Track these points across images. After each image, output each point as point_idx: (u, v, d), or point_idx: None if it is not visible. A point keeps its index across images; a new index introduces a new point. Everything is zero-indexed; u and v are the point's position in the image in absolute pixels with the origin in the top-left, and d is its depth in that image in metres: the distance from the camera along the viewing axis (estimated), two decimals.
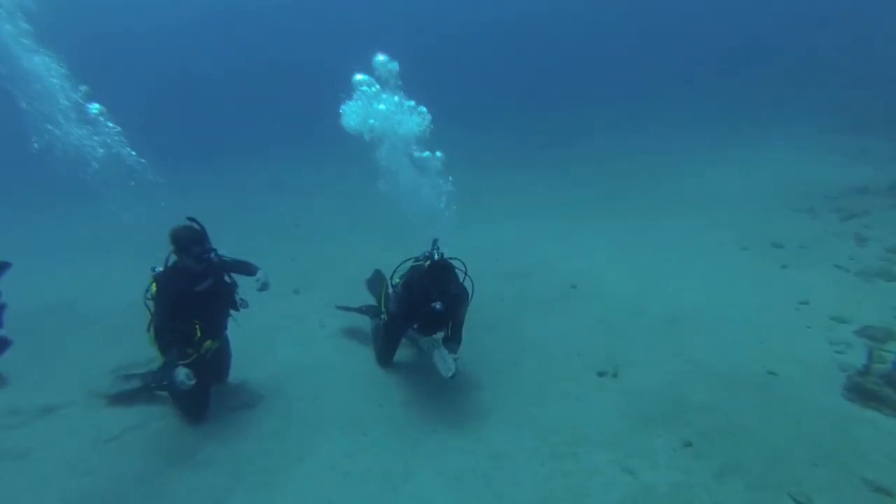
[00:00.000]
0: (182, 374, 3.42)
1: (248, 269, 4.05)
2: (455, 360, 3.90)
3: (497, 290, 5.58)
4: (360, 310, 5.01)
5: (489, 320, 4.99)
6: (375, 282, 5.17)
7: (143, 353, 4.59)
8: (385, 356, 4.50)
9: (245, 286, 4.04)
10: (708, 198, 7.90)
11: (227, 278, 3.99)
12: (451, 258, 3.98)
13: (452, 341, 4.09)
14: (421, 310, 3.89)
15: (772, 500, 2.89)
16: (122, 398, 4.21)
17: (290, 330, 5.14)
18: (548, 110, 15.79)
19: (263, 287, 3.91)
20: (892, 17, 18.04)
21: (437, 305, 3.78)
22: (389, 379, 4.38)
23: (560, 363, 4.38)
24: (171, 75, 20.77)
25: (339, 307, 5.18)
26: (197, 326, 3.75)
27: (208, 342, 3.83)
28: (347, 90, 4.96)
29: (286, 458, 3.56)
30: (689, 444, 3.31)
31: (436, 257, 3.95)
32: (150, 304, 3.69)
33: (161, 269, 3.69)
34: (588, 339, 4.69)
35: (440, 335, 4.18)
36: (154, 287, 3.66)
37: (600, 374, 4.18)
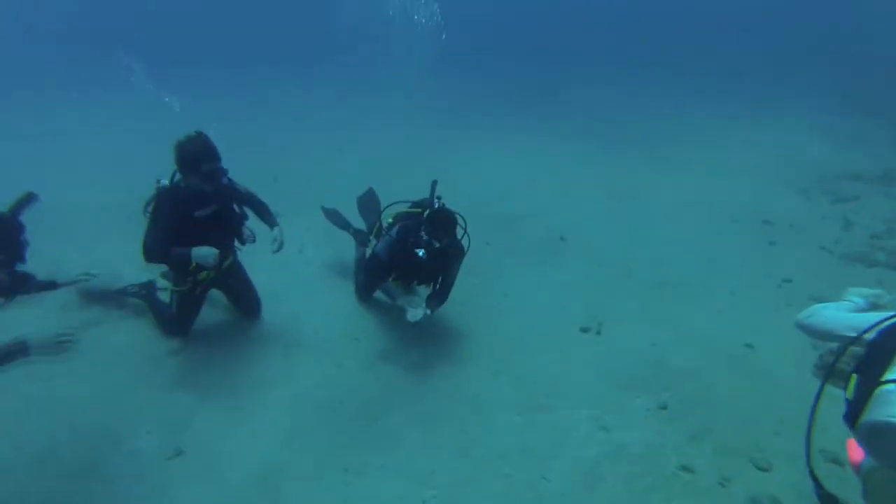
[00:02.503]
0: (211, 255, 3.14)
1: (263, 213, 3.71)
2: (427, 314, 3.66)
3: (484, 234, 5.39)
4: (346, 228, 4.74)
5: (473, 264, 4.81)
6: (368, 201, 4.82)
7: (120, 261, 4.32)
8: (365, 292, 4.33)
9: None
10: (706, 165, 7.74)
11: (235, 208, 3.61)
12: (452, 210, 3.74)
13: (435, 298, 3.86)
14: (410, 259, 3.67)
15: (736, 465, 2.98)
16: (90, 296, 3.99)
17: (268, 254, 4.86)
18: (549, 63, 15.06)
19: (280, 247, 3.57)
20: None
21: (420, 252, 3.59)
22: (368, 314, 4.25)
23: (543, 315, 4.32)
24: None
25: (325, 210, 4.90)
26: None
27: (203, 273, 3.49)
28: None
29: (256, 383, 3.44)
30: (664, 407, 3.34)
31: (436, 205, 3.70)
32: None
33: (167, 182, 3.28)
34: (574, 293, 4.62)
35: (424, 292, 3.99)
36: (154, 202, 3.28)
37: (583, 330, 4.14)
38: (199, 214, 3.29)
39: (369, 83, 12.09)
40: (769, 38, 17.19)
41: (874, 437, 1.65)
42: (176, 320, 3.68)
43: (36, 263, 2.91)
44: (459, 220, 3.78)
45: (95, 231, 5.14)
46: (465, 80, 12.96)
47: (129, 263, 4.16)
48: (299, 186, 6.64)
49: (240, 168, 3.68)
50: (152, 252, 3.19)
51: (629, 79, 13.33)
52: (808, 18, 18.02)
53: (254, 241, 3.72)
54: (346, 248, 4.82)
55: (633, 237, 5.63)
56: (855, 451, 1.88)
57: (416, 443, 3.09)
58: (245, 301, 3.93)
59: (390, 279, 3.91)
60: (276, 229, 3.61)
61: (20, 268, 2.72)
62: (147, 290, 3.98)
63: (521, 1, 21.61)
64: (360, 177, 7.04)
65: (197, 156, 3.15)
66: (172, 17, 16.82)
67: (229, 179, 3.46)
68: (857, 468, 1.87)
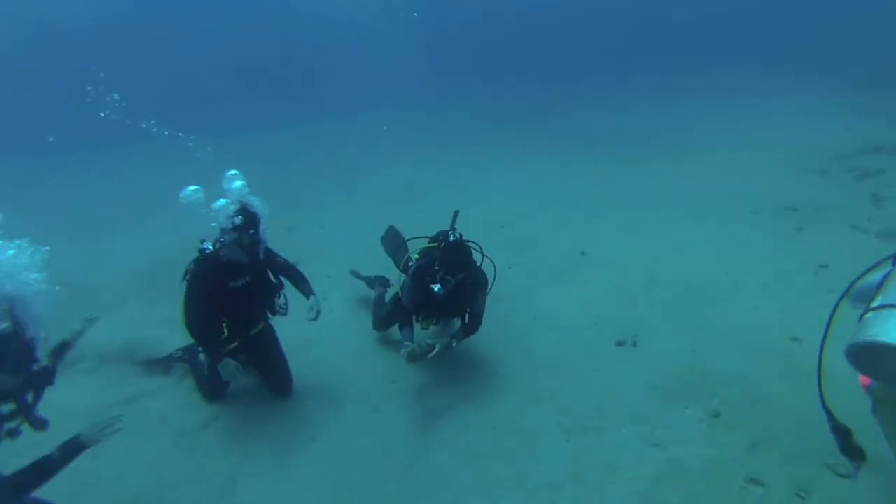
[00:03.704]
0: (232, 366, 3.30)
1: (299, 281, 3.67)
2: (413, 349, 3.47)
3: (504, 259, 5.37)
4: (369, 280, 4.78)
5: (498, 289, 4.78)
6: (391, 239, 4.83)
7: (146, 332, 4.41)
8: (384, 323, 4.29)
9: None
10: (718, 161, 7.66)
11: (272, 278, 3.64)
12: (467, 241, 3.73)
13: (463, 329, 3.77)
14: (430, 297, 3.63)
15: (810, 473, 2.77)
16: (139, 365, 4.10)
17: (292, 303, 4.91)
18: (547, 80, 15.22)
19: (316, 316, 3.49)
20: None
21: (436, 288, 3.55)
22: (397, 353, 4.20)
23: (575, 334, 4.23)
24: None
25: (352, 272, 5.00)
26: (225, 325, 3.44)
27: (234, 344, 3.52)
28: None
29: (296, 439, 3.41)
30: (717, 416, 3.20)
31: (451, 238, 3.68)
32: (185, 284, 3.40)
33: (209, 246, 3.36)
34: (602, 308, 4.53)
35: (451, 331, 3.91)
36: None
37: (619, 344, 4.04)
38: (233, 285, 3.36)
39: (371, 125, 12.38)
40: (769, 21, 17.14)
41: (859, 355, 1.92)
42: (210, 385, 3.70)
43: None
44: (475, 248, 3.76)
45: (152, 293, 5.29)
46: (465, 107, 13.18)
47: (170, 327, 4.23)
48: (314, 233, 6.75)
49: None
50: (190, 328, 3.38)
51: (629, 84, 13.40)
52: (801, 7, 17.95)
53: (285, 314, 3.70)
54: (369, 289, 4.83)
55: (654, 243, 5.54)
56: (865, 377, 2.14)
57: (466, 482, 3.00)
58: (274, 375, 3.75)
59: (417, 320, 3.88)
60: (312, 298, 3.55)
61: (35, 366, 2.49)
62: (189, 354, 4.00)
63: (511, 18, 22.03)
64: (372, 217, 7.18)
65: (236, 228, 3.23)
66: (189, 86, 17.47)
67: (269, 250, 3.52)
68: (867, 389, 2.19)
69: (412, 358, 3.42)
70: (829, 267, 4.68)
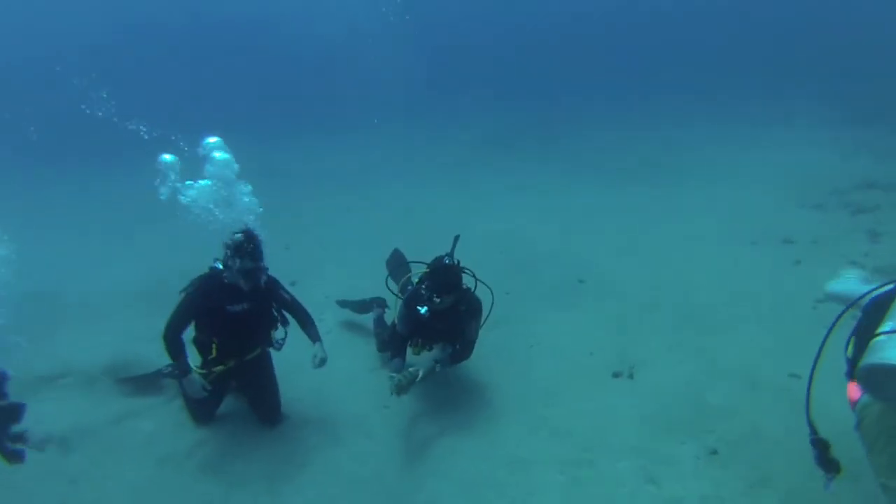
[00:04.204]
0: (197, 383, 3.21)
1: (305, 324, 3.56)
2: (423, 370, 3.47)
3: (503, 284, 5.36)
4: (362, 304, 4.73)
5: (495, 316, 4.77)
6: (396, 262, 4.80)
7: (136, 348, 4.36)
8: (387, 345, 4.23)
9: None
10: (715, 190, 7.72)
11: (274, 311, 3.58)
12: (462, 267, 3.72)
13: (452, 355, 3.72)
14: (420, 319, 3.61)
15: None
16: (127, 381, 4.02)
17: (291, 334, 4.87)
18: (549, 101, 15.45)
19: (321, 364, 3.41)
20: (892, 9, 17.91)
21: (422, 310, 3.53)
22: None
23: (572, 362, 4.20)
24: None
25: (340, 303, 4.91)
26: (214, 346, 3.42)
27: (218, 367, 3.49)
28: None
29: (287, 464, 3.35)
30: (714, 452, 3.16)
31: (445, 262, 3.66)
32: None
33: (220, 265, 3.35)
34: (599, 336, 4.52)
35: (437, 355, 3.82)
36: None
37: (615, 375, 4.01)
38: (231, 309, 3.33)
39: (367, 143, 12.48)
40: (762, 56, 17.50)
41: (870, 376, 2.07)
42: (196, 407, 3.63)
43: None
44: (469, 274, 3.75)
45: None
46: (467, 125, 13.32)
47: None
48: (312, 251, 6.75)
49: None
50: (166, 332, 3.29)
51: (628, 107, 13.59)
52: (802, 32, 18.34)
53: (279, 349, 3.65)
54: (360, 296, 4.82)
55: (651, 271, 5.55)
56: (853, 392, 2.33)
57: None
58: (263, 406, 3.68)
59: (411, 346, 3.85)
60: (317, 345, 3.46)
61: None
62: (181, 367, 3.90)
63: (512, 38, 22.43)
64: (371, 235, 7.19)
65: (241, 251, 3.21)
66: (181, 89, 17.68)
67: (273, 280, 3.49)
68: (854, 404, 2.32)
69: (400, 390, 3.37)
70: (828, 302, 4.68)
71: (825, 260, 5.43)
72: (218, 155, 3.63)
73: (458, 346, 3.82)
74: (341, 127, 13.99)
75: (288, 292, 3.59)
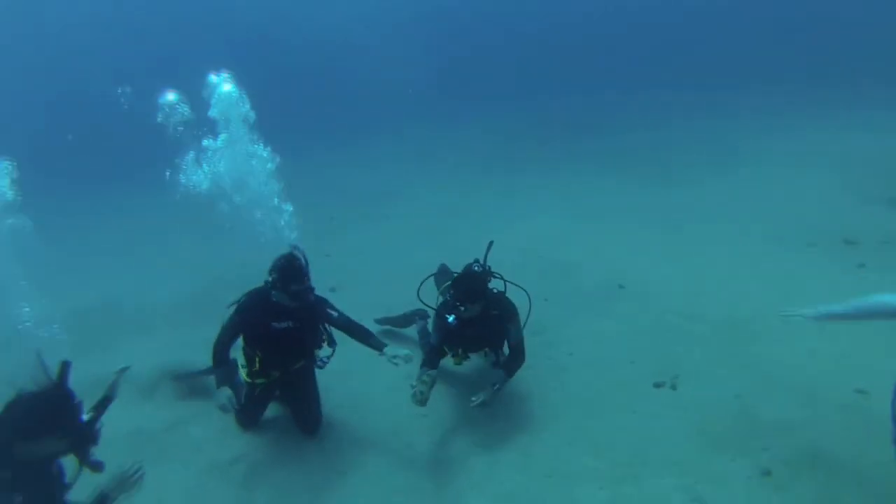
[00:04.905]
0: (223, 396, 3.35)
1: (364, 338, 3.57)
2: (483, 395, 3.40)
3: (541, 290, 5.28)
4: (404, 318, 4.75)
5: (534, 322, 4.71)
6: (443, 277, 4.78)
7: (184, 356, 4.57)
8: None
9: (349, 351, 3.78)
10: (764, 185, 7.31)
11: (324, 329, 3.66)
12: (490, 273, 3.69)
13: (506, 365, 3.67)
14: (454, 330, 3.60)
15: None
16: (182, 379, 4.23)
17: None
18: (583, 95, 15.04)
19: (404, 362, 3.35)
20: None
21: (450, 318, 3.51)
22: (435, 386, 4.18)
23: (612, 372, 4.09)
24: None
25: (379, 321, 4.88)
26: (257, 359, 3.54)
27: (261, 379, 3.61)
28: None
29: (329, 472, 3.42)
30: (768, 473, 2.99)
31: (475, 269, 3.65)
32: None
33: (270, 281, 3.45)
34: (640, 345, 4.37)
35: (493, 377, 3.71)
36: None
37: (657, 385, 3.87)
38: (275, 326, 3.44)
39: (395, 151, 12.56)
40: (821, 36, 16.34)
41: None
42: (242, 411, 3.76)
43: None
44: (499, 277, 3.70)
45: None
46: (493, 130, 13.20)
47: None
48: (351, 259, 6.87)
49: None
50: (215, 345, 3.48)
51: (667, 99, 13.04)
52: (860, 12, 17.03)
53: (322, 367, 3.71)
54: (402, 309, 4.83)
55: (696, 274, 5.32)
56: None
57: None
58: (303, 417, 3.73)
59: (450, 356, 3.86)
60: (386, 349, 3.45)
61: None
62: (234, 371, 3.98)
63: (538, 35, 22.01)
64: (407, 242, 7.26)
65: (286, 275, 3.32)
66: None
67: (321, 299, 3.57)
68: None
69: (420, 402, 3.34)
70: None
71: (894, 263, 5.03)
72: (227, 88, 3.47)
73: (501, 355, 3.81)
74: (365, 134, 14.18)
75: (337, 310, 3.62)
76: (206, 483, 3.38)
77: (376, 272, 6.31)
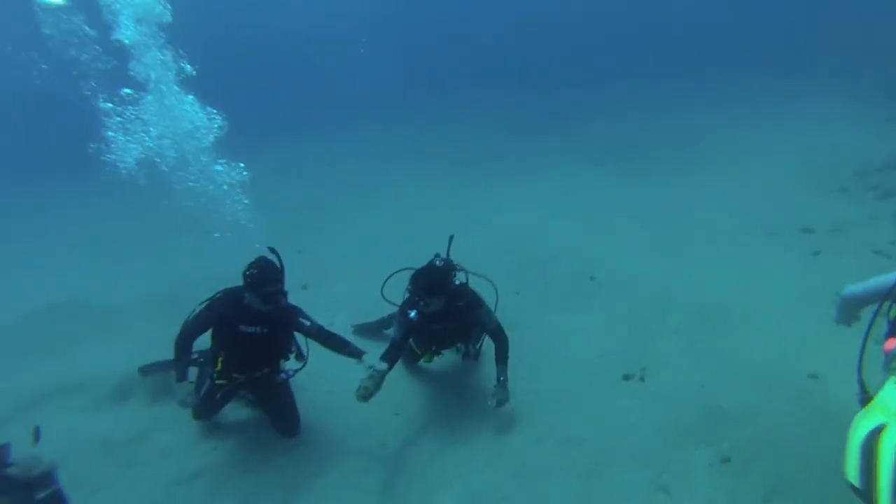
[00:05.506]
0: (182, 393, 3.23)
1: (343, 348, 3.53)
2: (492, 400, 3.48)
3: (513, 283, 5.33)
4: (381, 322, 4.72)
5: (504, 317, 4.75)
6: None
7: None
8: (405, 360, 4.26)
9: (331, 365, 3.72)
10: (732, 177, 7.51)
11: (297, 340, 3.60)
12: (452, 266, 3.68)
13: (498, 356, 3.67)
14: (420, 326, 3.61)
15: None
16: (150, 369, 4.14)
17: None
18: (558, 88, 15.07)
19: (374, 386, 3.31)
20: None
21: (412, 314, 3.52)
22: (405, 383, 4.19)
23: (582, 365, 4.17)
24: None
25: (357, 328, 4.83)
26: (220, 360, 3.47)
27: (222, 381, 3.55)
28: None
29: (301, 476, 3.41)
30: (727, 460, 3.11)
31: (437, 263, 3.62)
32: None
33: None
34: (611, 337, 4.46)
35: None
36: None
37: (626, 378, 3.96)
38: (243, 329, 3.37)
39: (375, 140, 12.41)
40: (783, 30, 16.72)
41: None
42: (200, 403, 3.65)
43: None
44: (461, 269, 3.73)
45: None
46: (472, 119, 13.15)
47: None
48: (325, 254, 6.79)
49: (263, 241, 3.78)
50: (179, 334, 3.39)
51: (640, 95, 13.19)
52: (825, 5, 17.43)
53: (286, 378, 3.64)
54: (379, 314, 4.80)
55: (665, 266, 5.43)
56: (890, 344, 2.35)
57: None
58: (280, 418, 3.68)
59: (419, 352, 3.87)
60: (364, 357, 3.45)
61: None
62: (204, 359, 3.91)
63: (519, 24, 21.92)
64: (382, 236, 7.20)
65: (259, 277, 3.25)
66: None
67: (295, 308, 3.48)
68: (887, 353, 2.34)
69: (363, 397, 3.29)
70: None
71: (847, 250, 5.24)
72: None
73: (472, 348, 3.88)
74: (344, 126, 13.95)
75: (310, 319, 3.54)
76: (174, 492, 3.33)
77: (349, 268, 6.25)
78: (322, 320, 4.49)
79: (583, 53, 18.13)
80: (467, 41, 20.86)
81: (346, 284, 5.81)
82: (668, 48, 16.91)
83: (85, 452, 3.65)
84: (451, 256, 3.93)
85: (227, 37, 19.97)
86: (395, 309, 4.50)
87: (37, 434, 2.66)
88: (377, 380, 3.34)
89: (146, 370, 4.19)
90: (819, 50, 13.33)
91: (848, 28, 14.59)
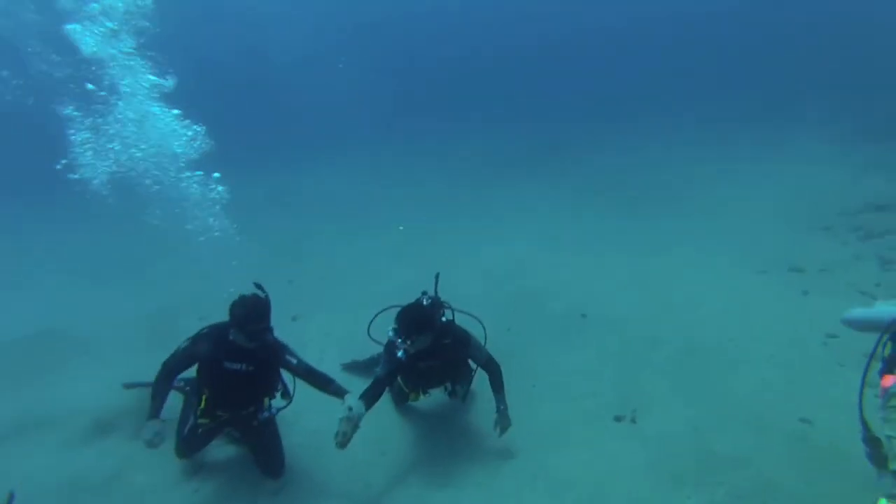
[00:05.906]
0: (151, 432, 3.06)
1: (327, 387, 3.41)
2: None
3: (504, 319, 5.29)
4: (372, 360, 4.62)
5: (497, 355, 4.71)
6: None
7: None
8: (395, 398, 4.22)
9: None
10: (719, 218, 7.61)
11: (285, 378, 3.53)
12: (439, 304, 3.65)
13: (493, 388, 3.62)
14: (408, 365, 3.55)
15: None
16: (134, 386, 4.09)
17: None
18: (550, 125, 15.40)
19: (352, 425, 3.15)
20: None
21: (399, 353, 3.45)
22: (393, 423, 4.10)
23: (574, 404, 4.11)
24: None
25: (346, 366, 4.75)
26: (204, 398, 3.39)
27: (204, 419, 3.45)
28: None
29: None
30: None
31: (424, 302, 3.58)
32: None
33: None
34: (602, 376, 4.42)
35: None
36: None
37: (617, 419, 3.90)
38: (228, 366, 3.30)
39: (368, 169, 12.54)
40: (766, 75, 17.38)
41: None
42: (183, 441, 3.55)
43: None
44: (448, 307, 3.69)
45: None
46: (463, 155, 13.31)
47: None
48: (315, 285, 6.74)
49: (253, 270, 3.73)
50: (161, 369, 3.30)
51: (629, 135, 13.49)
52: (808, 44, 18.14)
53: (269, 415, 3.56)
54: (369, 352, 4.72)
55: (655, 303, 5.44)
56: (887, 381, 2.39)
57: None
58: (266, 458, 3.57)
59: (407, 391, 3.80)
60: (347, 397, 3.29)
61: None
62: (190, 388, 3.80)
63: (516, 57, 22.54)
64: (373, 266, 7.18)
65: (244, 314, 3.19)
66: None
67: (281, 345, 3.41)
68: (884, 392, 2.38)
69: (341, 444, 3.12)
70: (839, 337, 4.53)
71: (834, 290, 5.30)
72: None
73: (460, 387, 3.83)
74: (340, 153, 14.11)
75: (296, 357, 3.46)
76: None
77: (339, 300, 6.20)
78: (312, 354, 4.49)
79: (577, 88, 18.65)
80: (460, 70, 21.42)
81: (336, 317, 5.74)
82: (661, 86, 17.46)
83: (50, 498, 3.48)
84: (439, 292, 3.91)
85: (215, 59, 20.39)
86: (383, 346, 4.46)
87: (10, 500, 2.57)
88: (354, 422, 3.17)
89: (130, 385, 4.15)
90: (799, 96, 13.83)
91: (826, 73, 15.18)
